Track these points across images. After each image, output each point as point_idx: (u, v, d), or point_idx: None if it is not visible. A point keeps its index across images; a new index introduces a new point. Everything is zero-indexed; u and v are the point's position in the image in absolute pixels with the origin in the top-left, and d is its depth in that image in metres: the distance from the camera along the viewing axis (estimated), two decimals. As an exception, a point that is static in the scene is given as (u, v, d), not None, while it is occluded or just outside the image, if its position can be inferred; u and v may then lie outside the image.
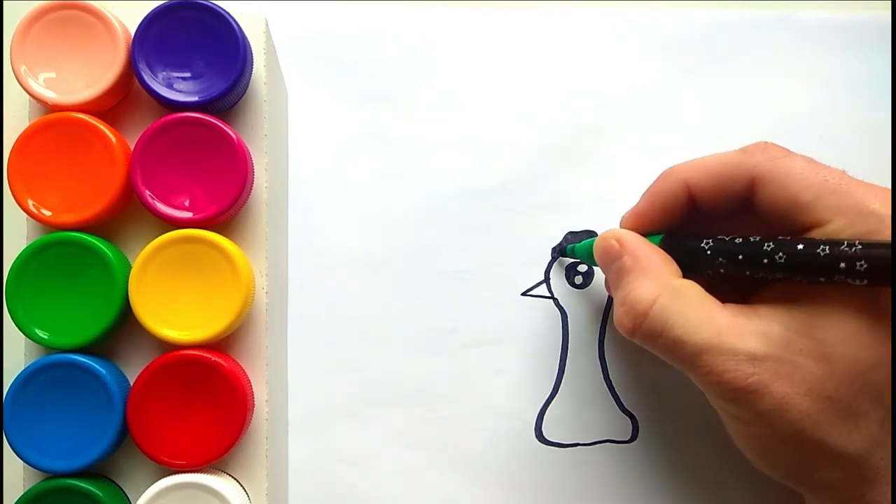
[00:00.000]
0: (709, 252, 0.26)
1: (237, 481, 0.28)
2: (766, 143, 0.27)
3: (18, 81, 0.27)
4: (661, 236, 0.28)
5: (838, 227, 0.24)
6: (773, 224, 0.26)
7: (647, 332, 0.26)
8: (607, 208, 0.33)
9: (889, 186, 0.25)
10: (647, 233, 0.28)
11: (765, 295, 0.26)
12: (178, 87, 0.27)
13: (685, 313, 0.25)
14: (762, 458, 0.26)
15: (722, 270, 0.26)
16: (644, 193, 0.29)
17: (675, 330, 0.25)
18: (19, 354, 0.27)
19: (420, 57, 0.34)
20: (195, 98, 0.27)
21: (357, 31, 0.34)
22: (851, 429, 0.23)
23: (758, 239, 0.25)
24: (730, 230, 0.26)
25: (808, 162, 0.25)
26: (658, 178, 0.29)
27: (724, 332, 0.24)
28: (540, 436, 0.33)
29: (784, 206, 0.25)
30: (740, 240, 0.25)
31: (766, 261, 0.24)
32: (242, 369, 0.28)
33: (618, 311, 0.27)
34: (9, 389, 0.26)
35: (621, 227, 0.30)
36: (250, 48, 0.28)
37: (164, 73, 0.27)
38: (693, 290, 0.26)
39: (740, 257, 0.25)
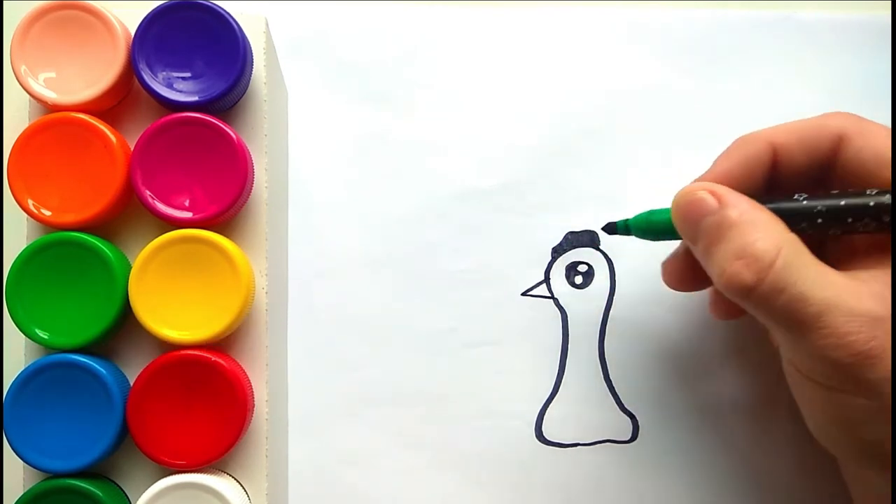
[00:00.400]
0: (814, 209, 0.24)
1: (237, 481, 0.28)
2: (841, 111, 0.27)
3: (18, 81, 0.27)
4: None
5: None
6: (854, 185, 0.25)
7: (770, 288, 0.23)
8: (607, 208, 0.33)
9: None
10: None
11: (853, 262, 0.25)
12: (178, 87, 0.27)
13: (807, 269, 0.23)
14: (846, 432, 0.24)
15: (820, 221, 0.24)
16: (719, 158, 0.27)
17: (800, 286, 0.22)
18: (19, 354, 0.27)
19: (420, 57, 0.34)
20: (195, 98, 0.27)
21: (357, 31, 0.34)
22: None
23: (859, 191, 0.24)
24: None
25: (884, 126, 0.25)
26: (736, 141, 0.27)
27: (844, 292, 0.22)
28: (540, 436, 0.33)
29: (872, 161, 0.24)
30: (840, 195, 0.24)
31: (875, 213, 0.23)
32: (242, 369, 0.28)
33: (734, 265, 0.23)
34: (9, 389, 0.26)
35: None
36: (250, 48, 0.28)
37: (164, 73, 0.27)
38: (804, 246, 0.23)
39: (844, 206, 0.24)
